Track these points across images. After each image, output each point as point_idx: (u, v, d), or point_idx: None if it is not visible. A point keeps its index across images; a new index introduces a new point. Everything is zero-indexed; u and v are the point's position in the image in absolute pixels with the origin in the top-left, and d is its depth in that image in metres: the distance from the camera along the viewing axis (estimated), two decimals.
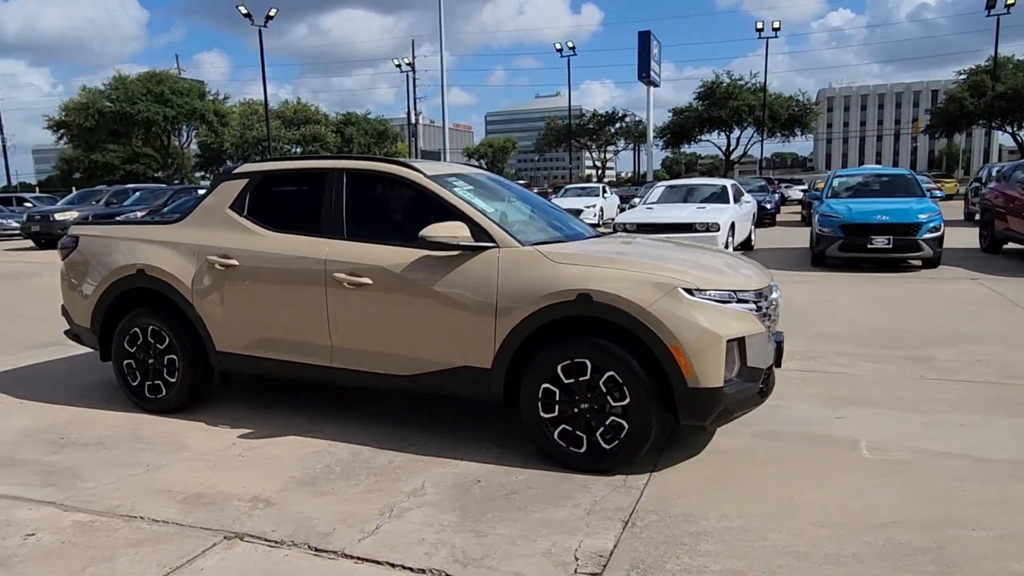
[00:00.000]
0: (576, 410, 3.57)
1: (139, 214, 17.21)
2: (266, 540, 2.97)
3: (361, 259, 4.02)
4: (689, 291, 3.44)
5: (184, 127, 51.06)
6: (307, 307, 4.15)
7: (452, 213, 3.93)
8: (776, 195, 25.65)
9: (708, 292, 3.48)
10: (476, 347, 3.75)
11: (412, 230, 3.83)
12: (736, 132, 50.73)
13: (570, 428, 3.59)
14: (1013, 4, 36.05)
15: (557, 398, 3.61)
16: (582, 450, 3.58)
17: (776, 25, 42.02)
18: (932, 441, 3.94)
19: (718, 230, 11.15)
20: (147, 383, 4.67)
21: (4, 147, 52.66)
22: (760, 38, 42.41)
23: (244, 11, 34.56)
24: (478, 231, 3.82)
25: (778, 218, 23.61)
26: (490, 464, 3.72)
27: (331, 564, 2.79)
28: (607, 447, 3.53)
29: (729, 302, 3.53)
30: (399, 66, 51.34)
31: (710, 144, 54.13)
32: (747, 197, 14.28)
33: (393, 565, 2.75)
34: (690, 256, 4.09)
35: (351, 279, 4.00)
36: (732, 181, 15.17)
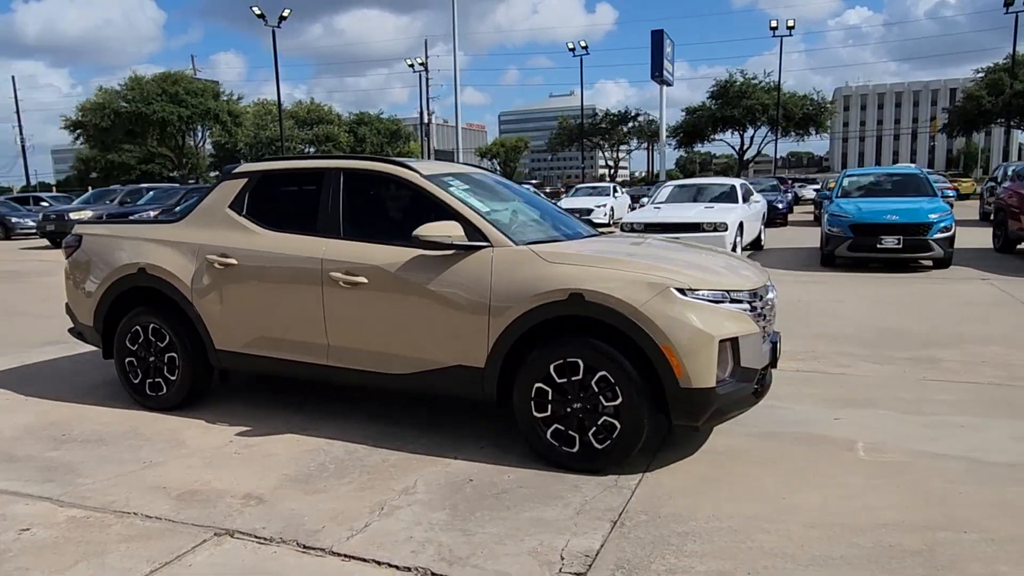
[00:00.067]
0: (569, 410, 3.57)
1: (152, 213, 17.37)
2: (256, 537, 2.99)
3: (357, 258, 4.04)
4: (682, 291, 3.43)
5: (198, 127, 51.45)
6: (304, 306, 4.18)
7: (447, 212, 3.94)
8: (789, 195, 25.49)
9: (701, 292, 3.47)
10: (470, 346, 3.76)
11: (408, 229, 3.83)
12: (750, 131, 50.44)
13: (563, 428, 3.59)
14: None
15: (550, 398, 3.61)
16: (575, 450, 3.58)
17: (791, 24, 41.62)
18: (931, 443, 3.90)
19: (726, 230, 11.08)
20: (148, 381, 4.72)
21: (23, 148, 53.43)
22: (775, 36, 42.12)
23: (258, 12, 34.77)
24: (472, 230, 3.83)
25: (790, 218, 23.48)
26: (484, 463, 3.73)
27: (318, 561, 2.80)
28: (599, 447, 3.53)
29: (722, 302, 3.51)
30: (412, 66, 51.49)
31: (725, 143, 53.90)
32: (756, 197, 14.20)
33: (379, 563, 2.76)
34: (687, 256, 4.08)
35: (347, 278, 4.02)
36: (741, 181, 15.06)
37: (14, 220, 24.41)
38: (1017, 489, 3.31)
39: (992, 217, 14.58)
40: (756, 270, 4.06)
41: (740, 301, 3.57)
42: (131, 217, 15.06)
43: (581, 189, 26.52)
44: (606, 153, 67.29)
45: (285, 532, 3.02)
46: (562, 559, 2.76)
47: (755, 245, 14.22)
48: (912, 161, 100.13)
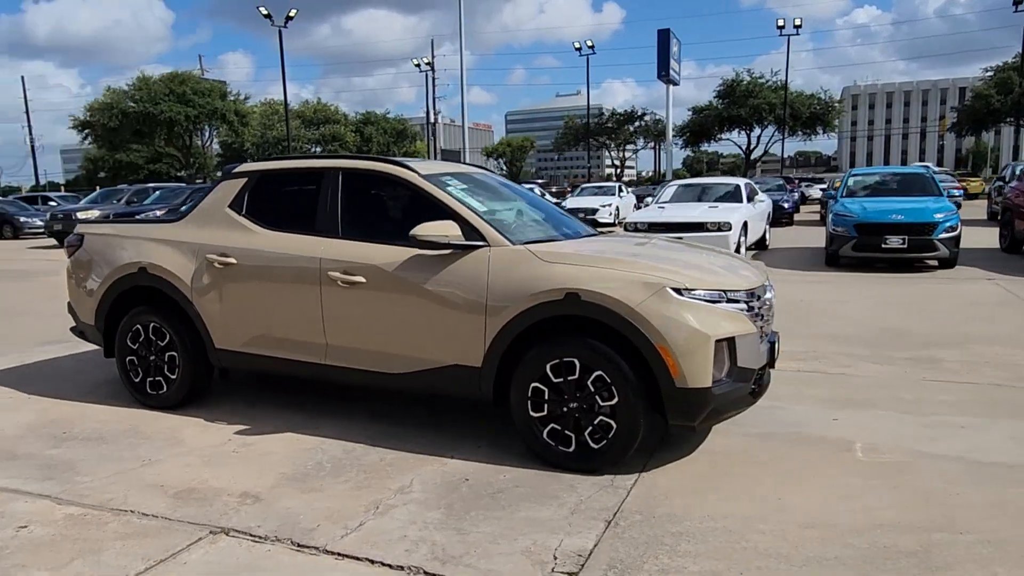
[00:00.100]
0: (565, 409, 3.57)
1: (158, 213, 17.46)
2: (251, 535, 3.00)
3: (355, 258, 4.05)
4: (678, 291, 3.42)
5: (206, 127, 51.62)
6: (302, 305, 4.19)
7: (445, 212, 3.94)
8: (795, 194, 25.39)
9: (697, 292, 3.46)
10: (467, 346, 3.76)
11: (406, 229, 3.83)
12: (757, 131, 50.24)
13: (559, 427, 3.59)
14: None
15: (546, 397, 3.61)
16: (571, 449, 3.58)
17: (798, 22, 41.51)
18: (930, 443, 3.88)
19: (729, 229, 11.06)
20: (148, 379, 4.74)
21: (33, 148, 53.81)
22: (782, 35, 41.97)
23: (264, 12, 34.89)
24: (469, 230, 3.83)
25: (796, 217, 23.38)
26: (481, 463, 3.73)
27: (312, 560, 2.81)
28: (595, 447, 3.53)
29: (719, 302, 3.50)
30: (418, 66, 51.57)
31: (732, 143, 53.72)
32: (761, 196, 14.15)
33: (372, 562, 2.77)
34: (685, 256, 4.07)
35: (345, 277, 4.02)
36: (746, 180, 15.02)
37: (22, 219, 24.55)
38: (1016, 490, 3.29)
39: (999, 217, 14.49)
40: (755, 270, 4.04)
41: (737, 301, 3.56)
42: (136, 217, 15.13)
43: (586, 189, 26.50)
44: (612, 153, 67.20)
45: (280, 530, 3.03)
46: (555, 559, 2.76)
47: (760, 245, 14.18)
48: (921, 160, 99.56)
